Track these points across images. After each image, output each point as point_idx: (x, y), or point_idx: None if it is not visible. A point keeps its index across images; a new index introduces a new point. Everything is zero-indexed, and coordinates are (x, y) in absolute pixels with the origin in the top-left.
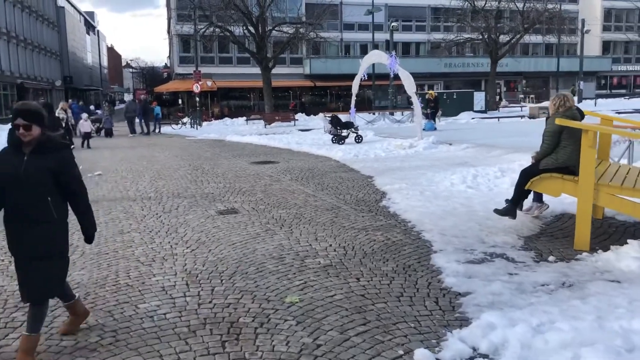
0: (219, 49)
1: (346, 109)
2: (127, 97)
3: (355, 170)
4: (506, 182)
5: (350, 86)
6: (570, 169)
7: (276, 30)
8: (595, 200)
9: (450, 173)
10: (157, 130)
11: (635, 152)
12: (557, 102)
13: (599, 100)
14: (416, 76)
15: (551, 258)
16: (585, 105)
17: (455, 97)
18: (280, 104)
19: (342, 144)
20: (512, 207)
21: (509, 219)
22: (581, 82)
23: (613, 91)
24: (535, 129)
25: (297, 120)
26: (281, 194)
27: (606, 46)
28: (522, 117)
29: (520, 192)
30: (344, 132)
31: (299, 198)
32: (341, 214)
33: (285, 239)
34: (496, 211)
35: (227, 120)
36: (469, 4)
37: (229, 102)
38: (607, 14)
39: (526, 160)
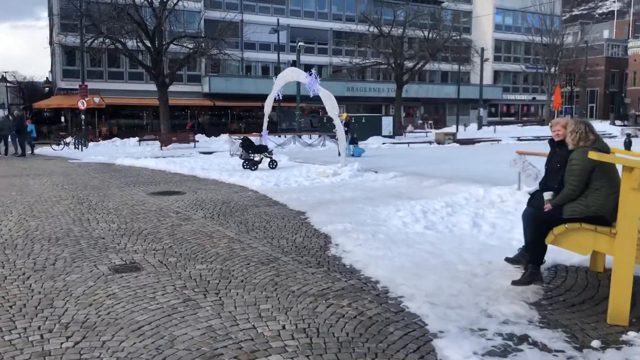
0: (108, 62)
1: (249, 130)
2: (1, 113)
3: (281, 203)
4: (463, 220)
5: (252, 107)
6: (604, 218)
7: (175, 44)
8: (638, 260)
9: (394, 208)
10: (30, 152)
11: None
12: (578, 132)
13: (497, 127)
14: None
15: (595, 343)
16: (485, 132)
17: (364, 121)
18: (177, 124)
19: (255, 169)
20: (536, 272)
21: (498, 277)
22: (481, 109)
23: (503, 118)
24: (451, 156)
25: (197, 141)
26: (195, 239)
27: (496, 76)
28: (430, 142)
29: (540, 248)
30: (257, 157)
31: (220, 245)
32: (283, 270)
33: (214, 315)
34: (516, 283)
35: (116, 140)
36: (376, 29)
37: (119, 120)
38: (498, 45)
39: (466, 193)
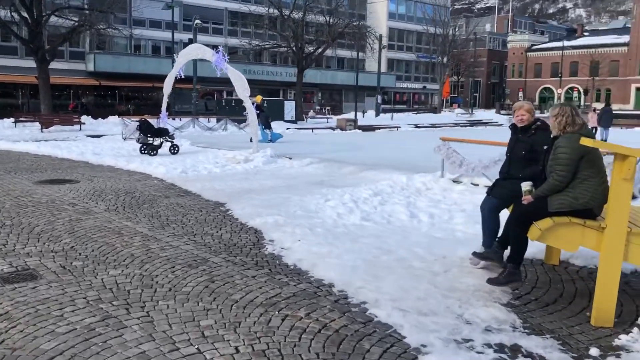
0: None
1: (139, 112)
2: None
3: (194, 193)
4: (398, 210)
5: (142, 87)
6: (592, 211)
7: (56, 16)
8: (625, 257)
9: (322, 197)
10: None
11: None
12: (563, 116)
13: (394, 115)
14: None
15: (594, 352)
16: (383, 119)
17: (265, 105)
18: (58, 104)
19: (155, 154)
20: (516, 271)
21: (460, 274)
22: (379, 97)
23: (396, 106)
24: (359, 142)
25: (83, 124)
26: (102, 237)
27: (390, 64)
28: (333, 129)
29: (523, 245)
30: (156, 141)
31: (133, 244)
32: (218, 274)
33: (145, 337)
34: (492, 282)
35: None
36: (277, 12)
37: None
38: (391, 33)
39: (390, 180)
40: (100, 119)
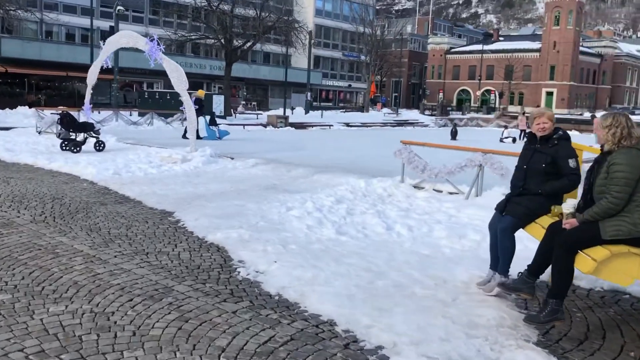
0: None
1: (50, 103)
2: None
3: (133, 199)
4: (371, 222)
5: (55, 76)
6: None
7: None
8: None
9: (281, 205)
10: None
11: None
12: (618, 127)
13: (324, 113)
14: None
15: None
16: (313, 117)
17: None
18: None
19: (78, 151)
20: (559, 308)
21: (472, 304)
22: (309, 94)
23: (322, 103)
24: (298, 141)
25: None
26: (33, 259)
27: (316, 61)
28: (265, 125)
29: (568, 278)
30: (80, 137)
31: (75, 267)
32: (189, 310)
33: None
34: (531, 320)
35: None
36: (205, 2)
37: None
38: (318, 30)
39: (347, 185)
40: (7, 109)
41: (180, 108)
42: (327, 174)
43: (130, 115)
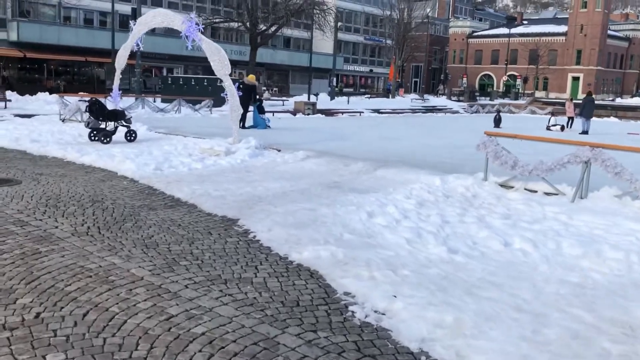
0: None
1: (70, 89)
2: None
3: (186, 201)
4: (478, 233)
5: (74, 61)
6: None
7: None
8: None
9: (357, 209)
10: None
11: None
12: None
13: (352, 99)
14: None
15: None
16: (340, 103)
17: (219, 84)
18: None
19: (108, 142)
20: None
21: None
22: (334, 79)
23: (344, 89)
24: (337, 129)
25: (9, 100)
26: (83, 291)
27: (337, 45)
28: (294, 113)
29: None
30: (110, 126)
31: (139, 306)
32: None
33: None
34: None
35: None
36: None
37: None
38: (339, 14)
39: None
40: (27, 95)
41: (222, 95)
42: (390, 169)
43: (154, 101)
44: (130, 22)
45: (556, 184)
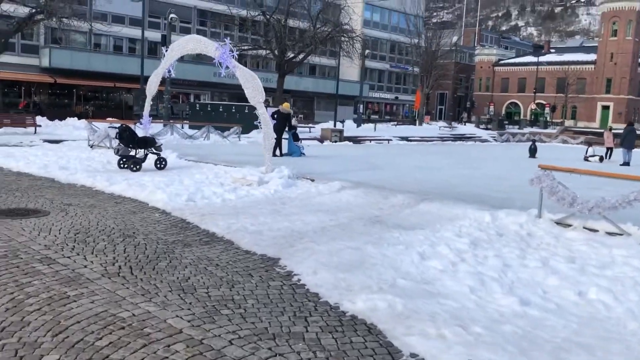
0: None
1: (98, 114)
2: None
3: (222, 237)
4: (546, 279)
5: (102, 87)
6: None
7: (7, 2)
8: None
9: (406, 249)
10: None
11: None
12: None
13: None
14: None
15: None
16: (367, 131)
17: (247, 111)
18: (5, 103)
19: (138, 170)
20: None
21: None
22: (360, 106)
23: (371, 116)
24: (364, 157)
25: (39, 126)
26: (116, 346)
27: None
28: (320, 140)
29: None
30: (140, 153)
31: None
32: None
33: None
34: None
35: None
36: (262, 17)
37: None
38: (364, 41)
39: (468, 219)
40: (57, 120)
41: (256, 122)
42: (434, 203)
43: (182, 128)
44: (162, 48)
45: (619, 223)
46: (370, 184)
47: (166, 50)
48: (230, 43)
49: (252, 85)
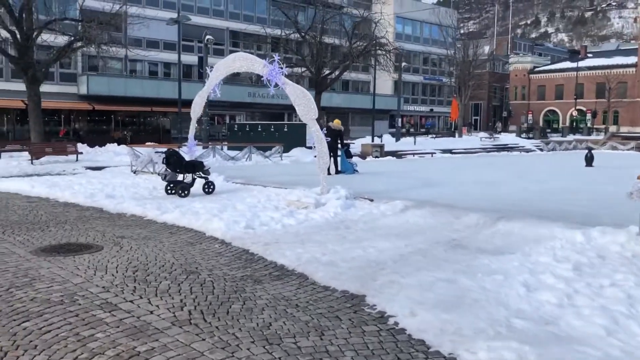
0: None
1: (137, 139)
2: None
3: (292, 270)
4: None
5: (139, 112)
6: None
7: (49, 30)
8: None
9: (506, 279)
10: None
11: None
12: None
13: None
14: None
15: None
16: (407, 144)
17: (286, 129)
18: (46, 131)
19: (185, 195)
20: None
21: None
22: (399, 120)
23: (410, 130)
24: (414, 172)
25: (80, 153)
26: None
27: (396, 86)
28: (362, 156)
29: None
30: (187, 178)
31: None
32: None
33: None
34: None
35: None
36: (297, 36)
37: None
38: (397, 54)
39: (558, 239)
40: (97, 147)
41: (310, 142)
42: (513, 222)
43: (222, 149)
44: (207, 68)
45: None
46: (434, 202)
47: (210, 71)
48: (278, 59)
49: (304, 102)
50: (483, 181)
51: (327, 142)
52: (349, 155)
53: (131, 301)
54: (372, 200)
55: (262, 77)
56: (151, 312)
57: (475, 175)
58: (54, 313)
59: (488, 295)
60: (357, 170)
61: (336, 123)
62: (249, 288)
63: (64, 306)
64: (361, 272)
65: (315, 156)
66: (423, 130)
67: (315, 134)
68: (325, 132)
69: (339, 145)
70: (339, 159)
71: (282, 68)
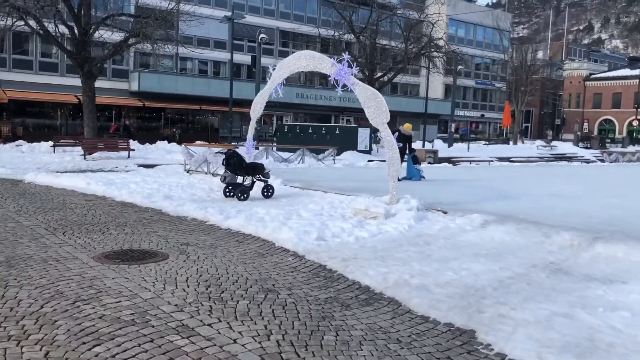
0: (13, 46)
1: (186, 137)
2: None
3: (379, 293)
4: None
5: (188, 110)
6: None
7: (106, 25)
8: None
9: (634, 317)
10: None
11: None
12: None
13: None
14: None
15: None
16: (460, 151)
17: (337, 132)
18: (99, 127)
19: (245, 199)
20: None
21: None
22: (452, 125)
23: (455, 135)
24: (476, 180)
25: (132, 150)
26: None
27: (447, 90)
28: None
29: None
30: (247, 180)
31: None
32: None
33: None
34: None
35: (23, 144)
36: (352, 36)
37: (26, 119)
38: (449, 57)
39: None
40: (147, 144)
41: (380, 146)
42: (613, 244)
43: (273, 150)
44: (269, 67)
45: None
46: (515, 217)
47: (273, 70)
48: (349, 58)
49: (374, 105)
50: (559, 194)
51: (399, 148)
52: (416, 161)
53: (210, 325)
54: (445, 213)
55: (329, 76)
56: (234, 341)
57: (546, 186)
58: (127, 336)
59: (624, 339)
60: (424, 177)
61: (406, 127)
62: (338, 314)
63: (136, 327)
64: (462, 302)
65: (369, 161)
66: (473, 136)
67: (387, 139)
68: (396, 137)
69: (407, 151)
70: (404, 164)
71: (351, 67)
